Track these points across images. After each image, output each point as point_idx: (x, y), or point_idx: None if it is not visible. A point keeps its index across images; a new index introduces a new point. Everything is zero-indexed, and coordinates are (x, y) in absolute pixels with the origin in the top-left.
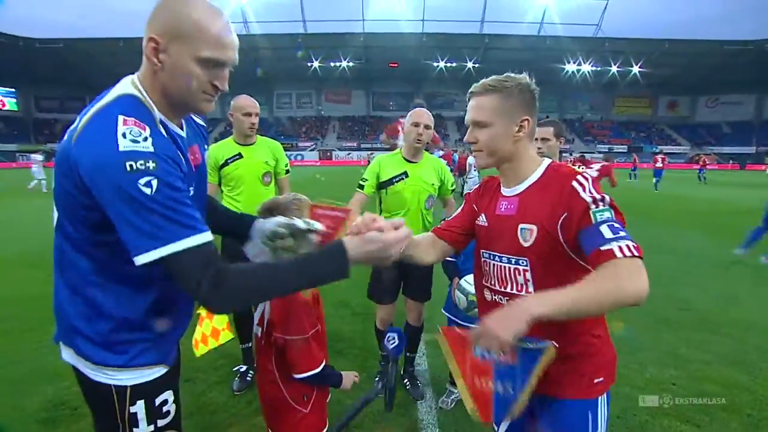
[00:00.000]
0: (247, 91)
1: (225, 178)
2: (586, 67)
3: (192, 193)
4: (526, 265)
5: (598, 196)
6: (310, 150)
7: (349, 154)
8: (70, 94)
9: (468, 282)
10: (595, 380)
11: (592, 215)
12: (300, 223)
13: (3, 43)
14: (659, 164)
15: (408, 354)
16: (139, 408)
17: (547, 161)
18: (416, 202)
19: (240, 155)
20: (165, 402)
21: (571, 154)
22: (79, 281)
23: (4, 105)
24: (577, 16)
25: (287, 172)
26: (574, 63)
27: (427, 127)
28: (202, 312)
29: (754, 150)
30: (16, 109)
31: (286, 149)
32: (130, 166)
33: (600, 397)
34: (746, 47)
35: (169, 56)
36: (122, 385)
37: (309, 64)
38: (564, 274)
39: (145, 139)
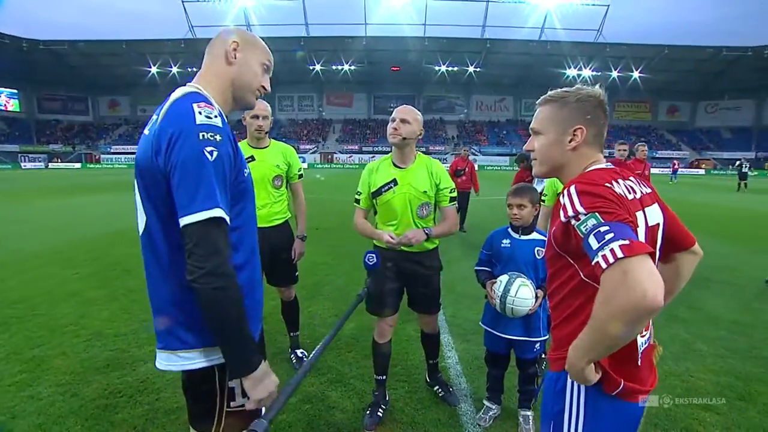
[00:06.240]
0: None
1: None
2: (587, 72)
3: (247, 174)
4: None
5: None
6: (312, 152)
7: (350, 156)
8: (72, 95)
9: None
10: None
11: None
12: None
13: (6, 44)
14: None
15: (430, 361)
16: (236, 383)
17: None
18: (408, 212)
19: (252, 158)
20: None
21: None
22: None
23: (7, 107)
24: (579, 22)
25: (300, 176)
26: (575, 68)
27: (404, 121)
28: None
29: (753, 155)
30: (18, 110)
31: None
32: (203, 135)
33: (562, 372)
34: (746, 53)
35: (243, 55)
36: (222, 363)
37: (311, 67)
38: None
39: (216, 116)
